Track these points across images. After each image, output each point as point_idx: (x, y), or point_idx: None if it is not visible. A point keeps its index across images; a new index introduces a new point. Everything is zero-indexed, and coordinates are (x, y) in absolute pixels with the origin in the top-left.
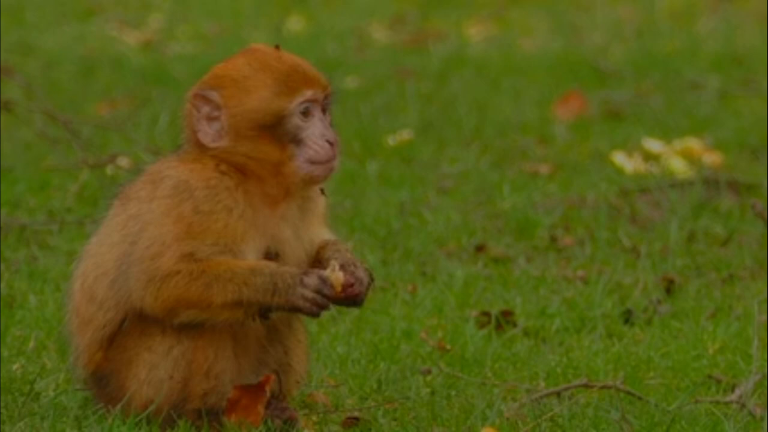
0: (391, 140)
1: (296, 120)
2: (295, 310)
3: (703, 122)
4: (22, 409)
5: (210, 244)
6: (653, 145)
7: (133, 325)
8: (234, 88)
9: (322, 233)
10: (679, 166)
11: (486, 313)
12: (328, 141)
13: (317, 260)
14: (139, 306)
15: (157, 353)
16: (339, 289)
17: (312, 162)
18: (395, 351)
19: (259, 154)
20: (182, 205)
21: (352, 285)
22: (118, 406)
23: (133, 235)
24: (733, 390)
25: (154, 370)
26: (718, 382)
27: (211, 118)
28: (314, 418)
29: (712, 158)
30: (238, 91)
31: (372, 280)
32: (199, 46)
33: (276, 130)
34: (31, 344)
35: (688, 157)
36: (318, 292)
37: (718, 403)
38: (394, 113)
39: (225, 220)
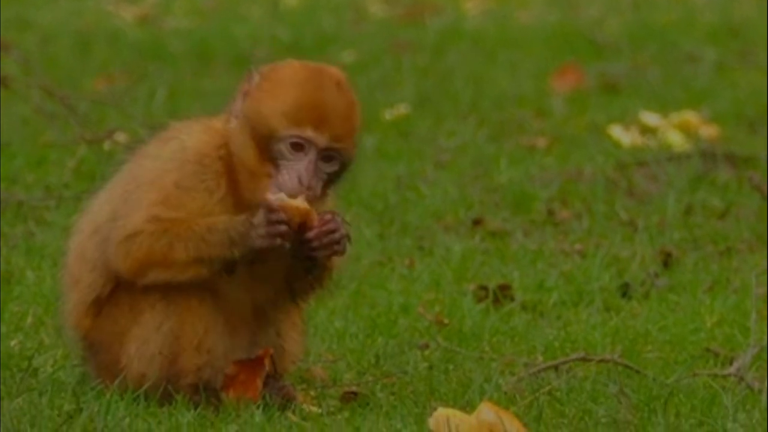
0: (388, 114)
1: (283, 147)
2: (259, 252)
3: (700, 95)
4: (21, 385)
5: (182, 215)
6: (650, 118)
7: (123, 298)
8: (269, 83)
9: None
10: (676, 139)
11: (483, 287)
12: (300, 182)
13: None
14: (114, 268)
15: (147, 328)
16: (296, 215)
17: (279, 189)
18: (393, 325)
19: (244, 155)
20: (167, 175)
21: (327, 222)
22: (116, 382)
23: (127, 194)
24: (731, 363)
25: (144, 344)
26: (716, 355)
27: (244, 96)
28: (312, 392)
29: (709, 131)
30: (268, 88)
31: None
32: (195, 21)
33: (266, 144)
34: (29, 320)
35: (685, 130)
36: (269, 222)
37: (716, 376)
38: (391, 87)
39: (203, 201)
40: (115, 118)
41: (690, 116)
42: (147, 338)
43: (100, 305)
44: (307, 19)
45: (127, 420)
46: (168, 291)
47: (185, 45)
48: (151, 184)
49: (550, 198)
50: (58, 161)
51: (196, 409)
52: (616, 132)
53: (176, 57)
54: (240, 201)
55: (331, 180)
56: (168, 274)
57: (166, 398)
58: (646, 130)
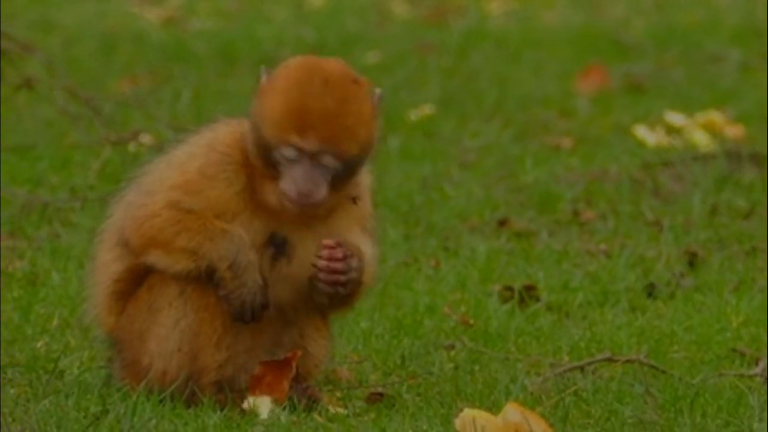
0: (413, 115)
1: (277, 155)
2: (228, 295)
3: (725, 95)
4: (47, 387)
5: (200, 203)
6: (675, 118)
7: (142, 296)
8: (267, 87)
9: (353, 237)
10: (701, 139)
11: (509, 288)
12: (299, 190)
13: None
14: (125, 237)
15: (166, 326)
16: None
17: (283, 195)
18: (418, 326)
19: (252, 157)
20: (192, 161)
21: (336, 259)
22: (142, 384)
23: (152, 172)
24: (757, 363)
25: (164, 342)
26: (742, 355)
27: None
28: (338, 394)
29: (733, 131)
30: (265, 94)
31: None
32: (220, 22)
33: (265, 150)
34: (55, 322)
35: (710, 130)
36: (252, 312)
37: (742, 376)
38: (416, 88)
39: (221, 190)
40: (139, 119)
41: (715, 116)
42: (166, 336)
43: (122, 302)
44: (332, 20)
45: (154, 421)
46: (185, 288)
47: (210, 46)
48: (176, 165)
49: (575, 198)
50: (83, 163)
51: (222, 410)
52: (641, 132)
53: (201, 58)
54: (255, 197)
55: (339, 179)
56: (166, 259)
57: (192, 400)
58: (671, 130)
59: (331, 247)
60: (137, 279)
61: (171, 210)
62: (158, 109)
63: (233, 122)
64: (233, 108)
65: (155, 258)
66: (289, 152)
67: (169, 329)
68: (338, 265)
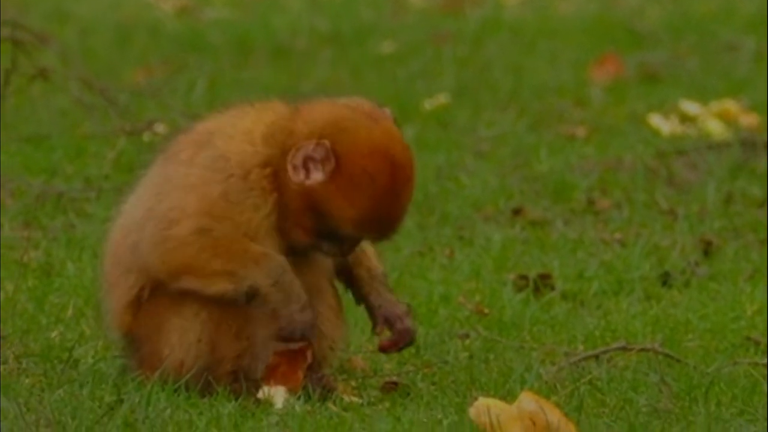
0: (428, 104)
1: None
2: (278, 318)
3: (740, 84)
4: (62, 377)
5: (229, 228)
6: (690, 107)
7: (161, 291)
8: (344, 176)
9: (360, 247)
10: (715, 127)
11: (524, 277)
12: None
13: (351, 285)
14: (148, 267)
15: (186, 317)
16: None
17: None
18: (433, 315)
19: (295, 211)
20: (212, 186)
21: (395, 343)
22: (157, 373)
23: (161, 195)
24: None
25: (185, 333)
26: (757, 344)
27: (309, 166)
28: (353, 383)
29: (748, 120)
30: (342, 184)
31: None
32: (234, 12)
33: (323, 224)
34: (70, 312)
35: (725, 118)
36: (303, 329)
37: (756, 365)
38: (431, 77)
39: (249, 215)
40: (154, 109)
41: (730, 105)
42: (187, 327)
43: (140, 303)
44: (346, 9)
45: (168, 411)
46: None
47: (224, 36)
48: (193, 189)
49: (589, 187)
50: (98, 153)
51: (236, 399)
52: (656, 121)
53: (215, 48)
54: (279, 217)
55: None
56: (201, 283)
57: (207, 389)
58: (686, 119)
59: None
60: (157, 288)
61: (202, 237)
62: (173, 98)
63: (234, 126)
64: (248, 97)
65: (189, 283)
66: (354, 237)
67: (190, 320)
68: (406, 337)
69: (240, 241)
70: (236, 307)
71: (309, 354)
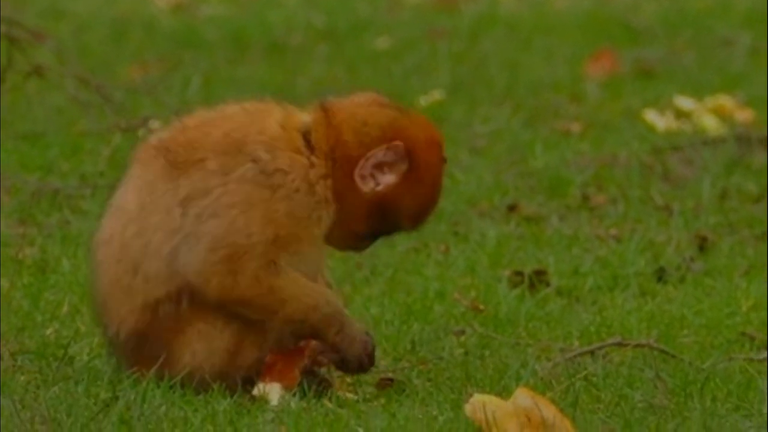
0: (423, 100)
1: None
2: (343, 356)
3: (735, 79)
4: (57, 374)
5: (292, 252)
6: (685, 102)
7: (185, 299)
8: (412, 178)
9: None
10: (711, 123)
11: (519, 273)
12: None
13: None
14: (197, 285)
15: (214, 325)
16: None
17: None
18: (428, 312)
19: (357, 217)
20: (276, 204)
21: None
22: (155, 370)
23: (201, 209)
24: (767, 347)
25: (211, 340)
26: (752, 339)
27: (383, 169)
28: (348, 379)
29: (744, 115)
30: (411, 184)
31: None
32: (230, 8)
33: (381, 225)
34: (65, 309)
35: (720, 114)
36: (370, 360)
37: (751, 360)
38: (426, 73)
39: (311, 230)
40: (149, 106)
41: (725, 100)
42: (214, 335)
43: (158, 305)
44: (342, 5)
45: (164, 408)
46: None
47: (220, 32)
48: (252, 209)
49: (585, 183)
50: (93, 150)
51: (232, 396)
52: (651, 117)
53: (211, 45)
54: (337, 227)
55: None
56: (257, 316)
57: (202, 386)
58: (681, 115)
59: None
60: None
61: (270, 275)
62: (168, 95)
63: (275, 137)
64: (243, 95)
65: (240, 312)
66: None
67: (219, 328)
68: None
69: (301, 281)
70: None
71: (307, 352)
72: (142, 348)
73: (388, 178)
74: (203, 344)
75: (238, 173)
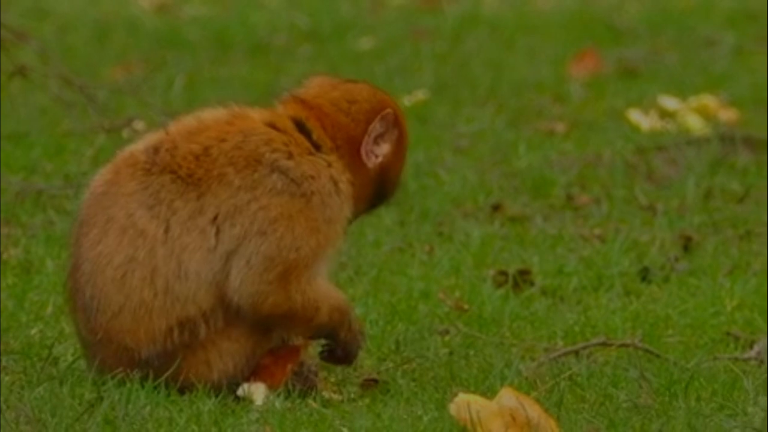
0: (407, 101)
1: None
2: (346, 352)
3: (719, 79)
4: (41, 374)
5: (326, 256)
6: (669, 102)
7: (214, 318)
8: (400, 142)
9: None
10: (695, 123)
11: (503, 273)
12: None
13: None
14: (249, 306)
15: (239, 342)
16: None
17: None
18: (413, 311)
19: (363, 195)
20: (314, 211)
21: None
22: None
23: (242, 228)
24: (751, 346)
25: (231, 356)
26: (737, 338)
27: (380, 140)
28: (333, 379)
29: (727, 115)
30: (399, 148)
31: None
32: (213, 9)
33: (379, 193)
34: (49, 309)
35: (704, 113)
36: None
37: (736, 360)
38: (409, 73)
39: (341, 230)
40: (133, 106)
41: (708, 100)
42: (237, 350)
43: (184, 325)
44: (325, 6)
45: (148, 408)
46: None
47: (203, 33)
48: (290, 221)
49: (569, 183)
50: (77, 150)
51: (216, 396)
52: (635, 116)
53: (194, 45)
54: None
55: None
56: (289, 327)
57: (186, 386)
58: (665, 115)
59: None
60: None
61: (310, 285)
62: (152, 96)
63: (295, 144)
64: (227, 95)
65: (275, 325)
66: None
67: (242, 342)
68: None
69: (325, 286)
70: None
71: (302, 353)
72: (167, 366)
73: (384, 148)
74: (229, 361)
75: (267, 186)
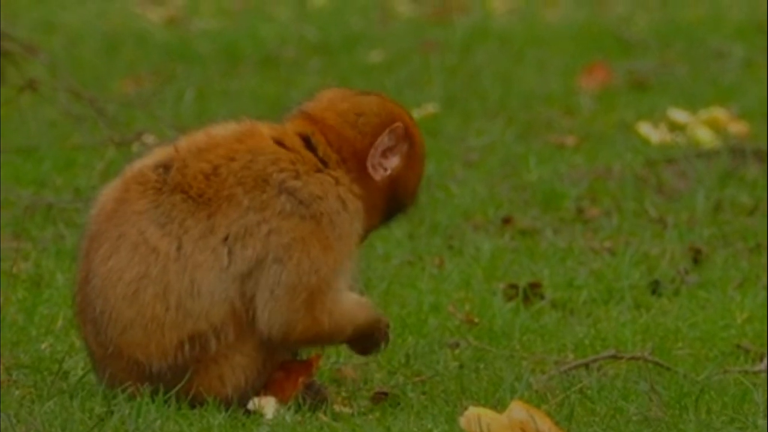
0: (416, 113)
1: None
2: (375, 346)
3: (728, 91)
4: (51, 388)
5: (344, 271)
6: (678, 115)
7: (226, 332)
8: (412, 155)
9: None
10: (704, 135)
11: (513, 286)
12: None
13: None
14: (280, 336)
15: (250, 356)
16: None
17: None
18: (423, 325)
19: (374, 210)
20: (326, 232)
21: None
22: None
23: (254, 251)
24: (761, 359)
25: (243, 370)
26: (747, 351)
27: (389, 154)
28: (343, 393)
29: (737, 127)
30: (412, 162)
31: None
32: (222, 22)
33: (390, 209)
34: (60, 323)
35: (714, 126)
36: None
37: (746, 372)
38: (419, 86)
39: (354, 244)
40: (143, 120)
41: (718, 113)
42: (248, 364)
43: (194, 340)
44: (335, 18)
45: (159, 422)
46: None
47: (213, 46)
48: (304, 244)
49: (579, 196)
50: (87, 164)
51: (227, 410)
52: (645, 129)
53: (204, 58)
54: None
55: None
56: (320, 344)
57: (197, 400)
58: (675, 127)
59: None
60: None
61: (337, 304)
62: (161, 109)
63: (274, 150)
64: (236, 108)
65: (315, 345)
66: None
67: (253, 357)
68: None
69: (352, 299)
70: None
71: (316, 366)
72: (178, 380)
73: (393, 161)
74: (240, 375)
75: (276, 208)
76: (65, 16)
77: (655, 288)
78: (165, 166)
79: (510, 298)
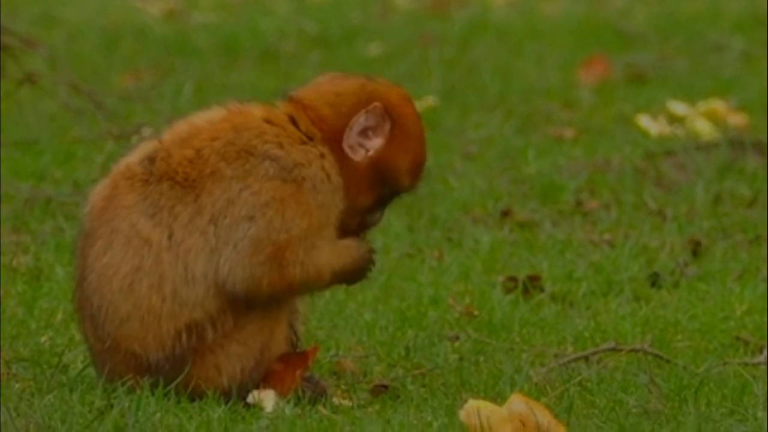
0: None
1: (390, 196)
2: (362, 276)
3: (728, 84)
4: (51, 382)
5: (324, 237)
6: (678, 107)
7: (222, 321)
8: (400, 134)
9: None
10: (703, 128)
11: (513, 278)
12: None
13: None
14: (247, 290)
15: (246, 344)
16: None
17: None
18: (423, 317)
19: (360, 192)
20: (306, 196)
21: None
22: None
23: (233, 217)
24: (761, 351)
25: (240, 359)
26: (746, 343)
27: (370, 134)
28: (343, 386)
29: (736, 119)
30: (400, 141)
31: None
32: (222, 15)
33: (383, 190)
34: (59, 316)
35: (713, 118)
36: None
37: (746, 364)
38: (418, 80)
39: (336, 215)
40: (142, 113)
41: (717, 105)
42: (245, 353)
43: (191, 328)
44: (334, 12)
45: (158, 415)
46: (268, 312)
47: (212, 40)
48: (281, 204)
49: (578, 188)
50: (86, 157)
51: (226, 403)
52: (644, 122)
53: (203, 52)
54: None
55: None
56: (299, 294)
57: (196, 393)
58: (674, 120)
59: None
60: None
61: (310, 258)
62: (160, 103)
63: (282, 132)
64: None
65: (295, 295)
66: (400, 194)
67: (250, 345)
68: None
69: (334, 249)
70: (283, 329)
71: (312, 359)
72: (177, 371)
73: (375, 142)
74: (237, 365)
75: (259, 173)
76: (65, 10)
77: (654, 280)
78: (150, 159)
79: (509, 291)
